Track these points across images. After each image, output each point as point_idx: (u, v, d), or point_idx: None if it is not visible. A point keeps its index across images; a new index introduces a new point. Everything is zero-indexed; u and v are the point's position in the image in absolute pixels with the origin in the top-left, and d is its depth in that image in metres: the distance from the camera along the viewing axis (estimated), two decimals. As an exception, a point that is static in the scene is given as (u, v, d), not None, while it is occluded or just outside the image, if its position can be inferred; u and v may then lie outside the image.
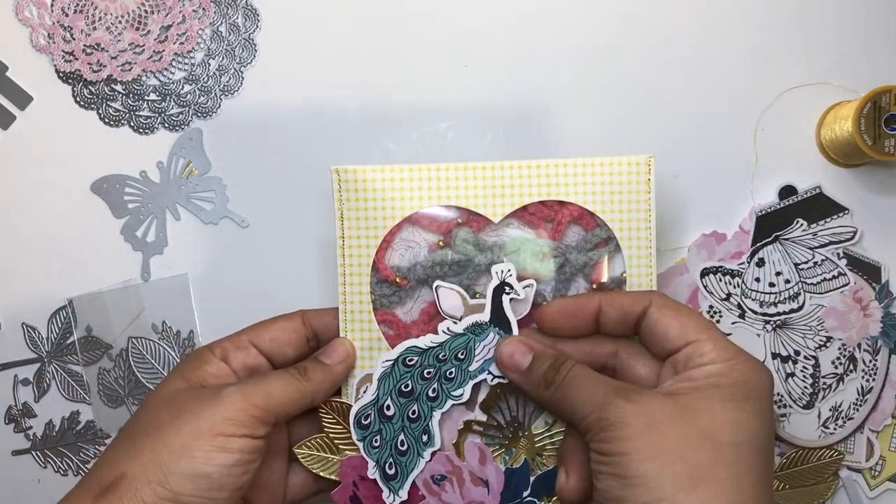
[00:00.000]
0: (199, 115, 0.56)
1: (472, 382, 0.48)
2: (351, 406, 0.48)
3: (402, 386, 0.48)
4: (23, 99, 0.56)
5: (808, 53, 0.57)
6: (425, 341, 0.48)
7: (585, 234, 0.49)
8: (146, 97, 0.56)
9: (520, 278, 0.48)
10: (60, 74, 0.56)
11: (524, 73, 0.56)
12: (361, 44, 0.57)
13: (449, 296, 0.48)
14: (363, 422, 0.48)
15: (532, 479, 0.48)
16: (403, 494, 0.48)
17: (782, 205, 0.55)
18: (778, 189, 0.56)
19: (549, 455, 0.48)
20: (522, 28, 0.57)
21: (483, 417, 0.48)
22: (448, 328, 0.48)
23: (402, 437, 0.48)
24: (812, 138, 0.56)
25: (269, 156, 0.56)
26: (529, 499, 0.48)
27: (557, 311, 0.47)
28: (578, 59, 0.57)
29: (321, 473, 0.48)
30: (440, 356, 0.48)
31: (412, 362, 0.48)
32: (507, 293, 0.48)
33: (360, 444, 0.48)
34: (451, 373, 0.48)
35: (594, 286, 0.49)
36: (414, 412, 0.48)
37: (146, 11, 0.56)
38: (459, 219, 0.49)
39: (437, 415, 0.48)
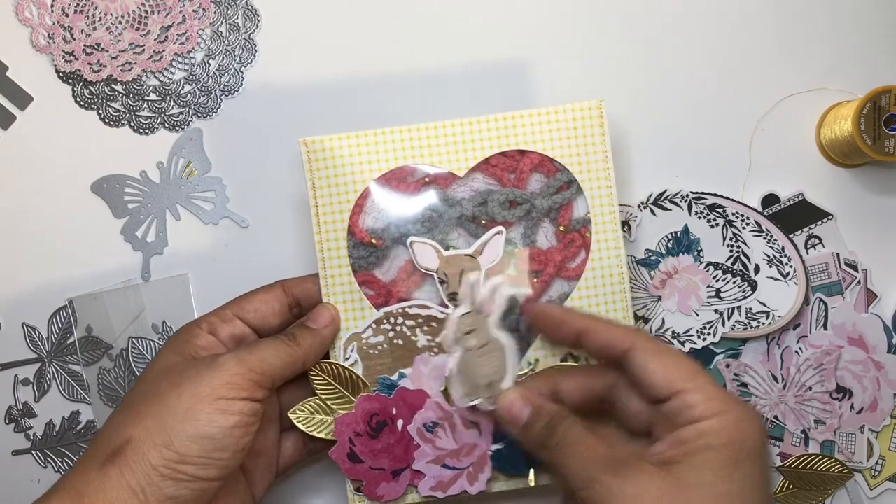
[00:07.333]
0: (199, 115, 0.56)
1: None
2: (341, 366, 0.49)
3: None
4: (23, 99, 0.56)
5: (807, 56, 0.57)
6: None
7: (547, 179, 0.51)
8: (146, 97, 0.56)
9: (489, 226, 0.50)
10: (60, 74, 0.56)
11: (526, 80, 0.57)
12: (361, 45, 0.57)
13: (424, 250, 0.50)
14: None
15: None
16: None
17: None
18: (760, 198, 0.56)
19: None
20: (527, 40, 0.57)
21: None
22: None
23: None
24: (809, 143, 0.56)
25: (269, 156, 0.56)
26: None
27: (539, 315, 0.48)
28: (578, 67, 0.57)
29: (317, 434, 0.49)
30: None
31: None
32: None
33: None
34: None
35: (561, 228, 0.50)
36: None
37: (146, 11, 0.56)
38: (427, 177, 0.50)
39: None
